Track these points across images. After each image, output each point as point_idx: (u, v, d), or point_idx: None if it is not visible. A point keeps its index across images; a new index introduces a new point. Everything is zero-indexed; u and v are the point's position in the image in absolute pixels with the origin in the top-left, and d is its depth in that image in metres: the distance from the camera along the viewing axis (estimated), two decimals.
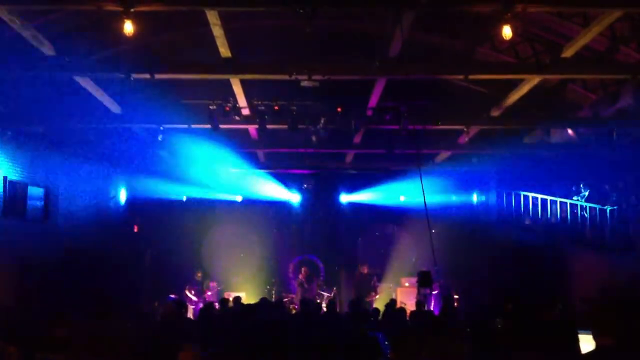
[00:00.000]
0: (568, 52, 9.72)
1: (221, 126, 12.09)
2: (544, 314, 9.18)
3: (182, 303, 10.74)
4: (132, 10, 7.65)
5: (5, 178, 11.82)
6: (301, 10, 7.60)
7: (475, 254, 16.31)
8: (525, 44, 11.81)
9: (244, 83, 10.92)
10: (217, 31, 8.75)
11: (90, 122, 12.93)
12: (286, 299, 16.28)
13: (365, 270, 16.94)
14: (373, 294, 16.52)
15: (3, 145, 11.90)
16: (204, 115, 11.85)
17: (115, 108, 12.27)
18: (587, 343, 4.27)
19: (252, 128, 13.16)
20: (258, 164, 16.97)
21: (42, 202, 13.19)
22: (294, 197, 19.01)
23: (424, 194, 9.79)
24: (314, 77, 9.80)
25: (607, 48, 10.86)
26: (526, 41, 11.70)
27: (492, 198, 18.01)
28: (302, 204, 19.05)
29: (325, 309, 13.37)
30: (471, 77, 10.43)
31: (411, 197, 17.71)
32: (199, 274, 16.10)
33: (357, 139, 14.05)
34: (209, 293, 16.04)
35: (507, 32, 7.94)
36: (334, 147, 15.14)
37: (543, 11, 9.90)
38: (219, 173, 17.15)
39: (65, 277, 12.87)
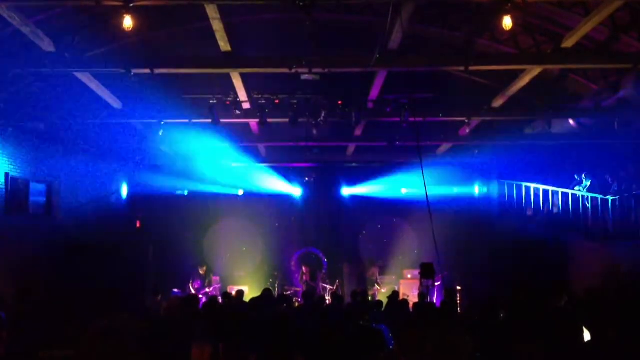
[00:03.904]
0: (568, 42, 9.70)
1: (222, 120, 12.08)
2: (549, 304, 9.18)
3: (194, 297, 10.68)
4: (131, 5, 7.63)
5: (7, 174, 11.84)
6: (301, 3, 7.57)
7: (477, 245, 16.33)
8: (526, 35, 11.78)
9: (244, 77, 10.91)
10: (217, 25, 8.73)
11: (91, 117, 12.95)
12: (289, 292, 16.31)
13: (366, 265, 17.11)
14: (375, 287, 16.61)
15: (4, 142, 11.90)
16: (204, 110, 11.84)
17: (115, 103, 12.27)
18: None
19: (252, 122, 13.15)
20: (259, 157, 16.97)
21: (44, 198, 13.23)
22: (295, 191, 19.02)
23: (425, 186, 9.80)
24: (314, 70, 9.79)
25: (607, 38, 10.82)
26: (527, 32, 11.66)
27: (494, 189, 18.01)
28: (303, 197, 19.06)
29: (329, 301, 13.40)
30: (472, 68, 10.39)
31: (413, 189, 17.73)
32: (204, 268, 16.13)
33: (358, 131, 14.04)
34: (212, 288, 16.06)
35: (507, 22, 7.92)
36: (335, 140, 15.13)
37: (543, 1, 9.87)
38: (220, 167, 17.17)
39: (67, 272, 12.91)
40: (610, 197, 13.27)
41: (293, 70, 9.69)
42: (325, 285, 17.06)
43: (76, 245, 13.49)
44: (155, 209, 17.68)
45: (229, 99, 11.53)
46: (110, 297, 10.70)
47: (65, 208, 13.96)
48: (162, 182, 17.55)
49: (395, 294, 12.43)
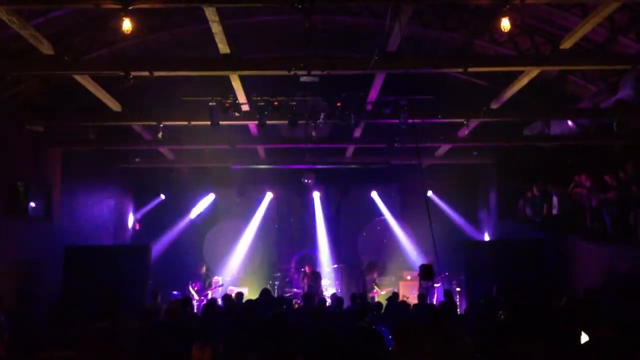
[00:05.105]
0: (567, 44, 9.73)
1: (221, 122, 12.10)
2: (549, 305, 9.19)
3: (187, 299, 10.71)
4: (130, 7, 7.65)
5: (6, 177, 11.85)
6: (300, 6, 7.59)
7: (477, 245, 16.33)
8: (524, 36, 11.81)
9: (243, 79, 10.92)
10: (216, 28, 8.75)
11: (91, 120, 12.96)
12: (289, 294, 16.30)
13: (365, 267, 17.11)
14: (375, 289, 16.62)
15: (4, 144, 11.91)
16: (203, 112, 11.85)
17: (115, 106, 12.28)
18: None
19: (251, 124, 13.16)
20: (258, 159, 16.97)
21: (44, 201, 13.21)
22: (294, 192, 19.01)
23: (424, 187, 9.85)
24: (313, 73, 9.80)
25: (606, 39, 10.85)
26: (525, 33, 11.69)
27: (493, 190, 18.01)
28: (303, 199, 19.06)
29: (329, 303, 13.41)
30: (470, 69, 10.42)
31: (411, 190, 17.73)
32: (203, 268, 16.11)
33: (357, 133, 14.06)
34: (213, 289, 16.05)
35: (505, 24, 7.95)
36: (334, 141, 15.14)
37: (541, 3, 9.90)
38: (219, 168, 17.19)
39: (67, 274, 12.92)
40: (609, 198, 13.27)
41: (292, 73, 9.71)
42: (325, 287, 17.05)
43: (75, 247, 13.49)
44: (155, 210, 17.70)
45: (228, 101, 11.53)
46: (109, 299, 10.68)
47: (64, 211, 13.96)
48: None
49: (395, 296, 12.44)
